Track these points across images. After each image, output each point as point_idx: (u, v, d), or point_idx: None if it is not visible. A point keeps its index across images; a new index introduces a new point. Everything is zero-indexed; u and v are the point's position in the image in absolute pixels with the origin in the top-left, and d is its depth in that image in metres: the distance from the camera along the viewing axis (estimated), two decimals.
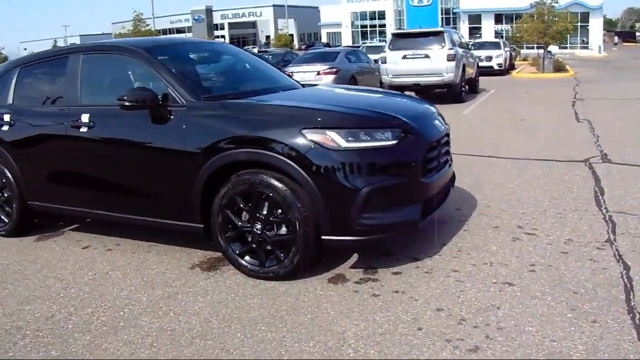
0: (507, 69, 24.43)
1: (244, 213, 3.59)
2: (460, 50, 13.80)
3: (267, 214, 3.50)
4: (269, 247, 3.53)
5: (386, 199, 3.35)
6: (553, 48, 33.35)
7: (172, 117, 3.72)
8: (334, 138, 3.28)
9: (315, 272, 3.57)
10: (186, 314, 3.16)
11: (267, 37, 68.33)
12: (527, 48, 37.56)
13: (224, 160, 3.51)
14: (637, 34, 73.73)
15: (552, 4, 23.73)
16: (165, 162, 3.75)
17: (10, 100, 4.66)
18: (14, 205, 4.64)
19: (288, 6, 69.54)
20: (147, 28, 36.49)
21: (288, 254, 3.45)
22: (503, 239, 4.05)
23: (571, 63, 28.36)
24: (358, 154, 3.26)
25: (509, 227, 4.31)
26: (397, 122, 3.53)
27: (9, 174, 4.60)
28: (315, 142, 3.28)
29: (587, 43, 45.90)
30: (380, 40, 50.15)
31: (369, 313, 3.04)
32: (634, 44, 63.39)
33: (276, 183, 3.39)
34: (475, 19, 51.07)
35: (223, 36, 63.82)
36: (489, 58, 22.91)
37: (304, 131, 3.31)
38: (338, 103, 4.01)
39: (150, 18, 38.73)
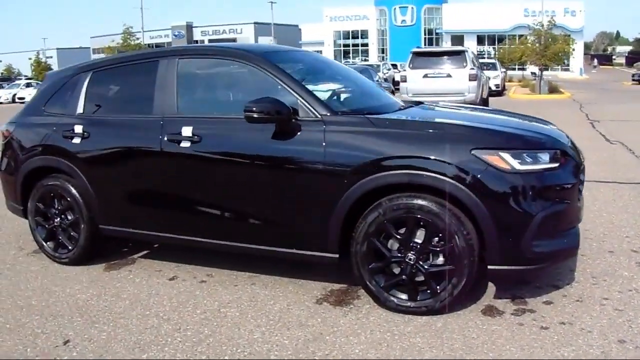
0: (502, 90, 24.60)
1: (391, 241, 3.12)
2: (479, 71, 13.69)
3: (423, 243, 3.06)
4: (420, 279, 3.09)
5: (555, 225, 3.08)
6: (533, 69, 34.07)
7: (301, 132, 3.23)
8: (507, 160, 2.95)
9: (462, 304, 3.21)
10: None
11: None
12: (509, 69, 38.15)
13: (377, 182, 3.04)
14: (614, 57, 76.27)
15: (551, 26, 24.05)
16: (296, 184, 3.24)
17: (80, 109, 4.05)
18: (82, 229, 4.01)
19: (267, 24, 69.53)
20: (138, 42, 35.74)
21: (446, 286, 3.04)
22: (628, 264, 3.85)
23: (559, 85, 28.74)
24: (531, 177, 2.97)
25: (624, 251, 4.13)
26: (558, 144, 3.25)
27: (76, 194, 3.97)
28: (488, 164, 2.92)
29: (568, 65, 46.93)
30: (362, 60, 50.39)
31: (553, 349, 2.75)
32: (610, 66, 65.48)
33: (438, 209, 2.96)
34: (457, 39, 51.72)
35: None
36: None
37: (476, 152, 2.95)
38: (488, 123, 3.54)
39: (135, 32, 37.89)
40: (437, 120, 3.56)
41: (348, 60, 52.42)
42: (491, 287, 3.46)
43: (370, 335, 2.93)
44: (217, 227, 3.55)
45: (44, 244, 4.20)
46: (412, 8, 56.65)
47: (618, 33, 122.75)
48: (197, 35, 65.45)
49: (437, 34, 56.11)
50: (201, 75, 3.87)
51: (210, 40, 68.54)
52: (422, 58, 13.67)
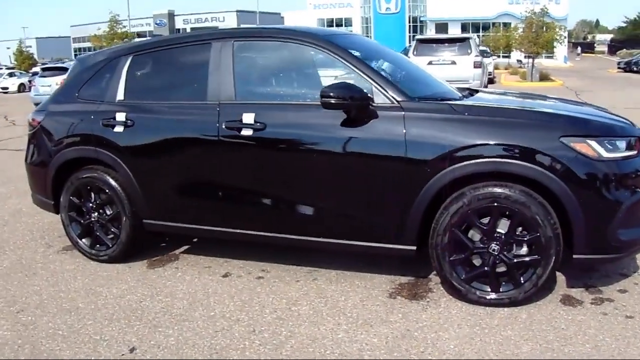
0: (492, 77, 24.55)
1: (472, 232, 2.97)
2: (482, 58, 13.59)
3: (507, 233, 2.92)
4: (503, 270, 2.97)
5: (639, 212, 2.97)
6: (519, 56, 33.90)
7: (378, 119, 3.03)
8: (595, 147, 2.86)
9: (538, 295, 3.08)
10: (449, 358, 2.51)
11: None
12: (493, 57, 38.17)
13: (462, 171, 2.87)
14: (595, 45, 77.09)
15: (544, 13, 24.03)
16: (373, 173, 3.04)
17: (120, 95, 3.73)
18: (123, 225, 3.72)
19: (249, 12, 68.58)
20: (124, 30, 34.76)
21: (530, 277, 2.94)
22: None
23: (547, 73, 28.87)
24: (617, 165, 2.91)
25: None
26: (636, 131, 3.14)
27: (116, 187, 3.68)
28: (577, 152, 2.82)
29: (553, 53, 47.22)
30: None
31: None
32: (592, 54, 66.16)
33: (525, 198, 2.83)
34: (442, 27, 51.68)
35: None
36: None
37: (564, 139, 2.85)
38: (564, 109, 3.38)
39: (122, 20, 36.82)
40: (519, 106, 3.38)
41: None
42: (559, 276, 3.35)
43: (458, 329, 2.78)
44: (283, 220, 3.32)
45: (79, 240, 3.91)
46: None
47: (598, 21, 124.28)
48: (179, 23, 64.27)
49: (421, 21, 55.97)
50: (260, 59, 3.63)
51: (192, 29, 67.46)
52: (426, 45, 13.51)
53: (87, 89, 3.86)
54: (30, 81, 26.42)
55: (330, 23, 61.82)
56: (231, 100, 3.35)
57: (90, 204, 3.83)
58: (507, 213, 2.89)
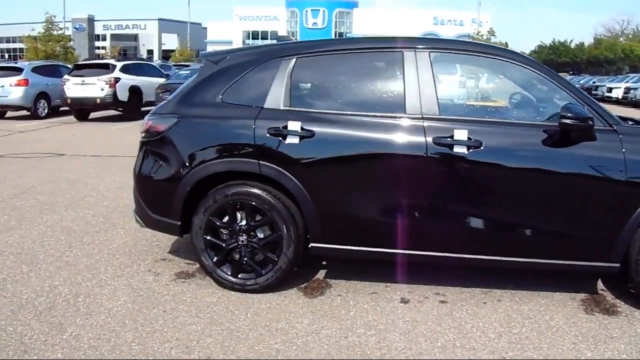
0: None
1: None
2: None
3: None
4: None
5: None
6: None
7: (598, 141, 3.05)
8: None
9: None
10: None
11: (150, 52, 64.55)
12: None
13: None
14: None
15: (489, 36, 25.39)
16: (592, 194, 3.04)
17: (285, 101, 3.28)
18: (285, 249, 3.26)
19: (172, 20, 66.48)
20: (61, 32, 32.07)
21: None
22: None
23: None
24: None
25: None
26: None
27: (280, 206, 3.22)
28: None
29: None
30: None
31: None
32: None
33: None
34: None
35: (104, 47, 58.69)
36: None
37: None
38: None
39: (35, 23, 34.05)
40: None
41: None
42: None
43: None
44: (495, 241, 3.15)
45: (217, 268, 3.36)
46: (324, 11, 57.40)
47: (506, 44, 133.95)
48: (98, 29, 60.84)
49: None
50: (456, 72, 3.47)
51: (112, 35, 64.11)
52: None
53: (234, 92, 3.35)
54: None
55: (255, 35, 61.50)
56: (435, 114, 3.13)
57: (238, 226, 3.30)
58: None
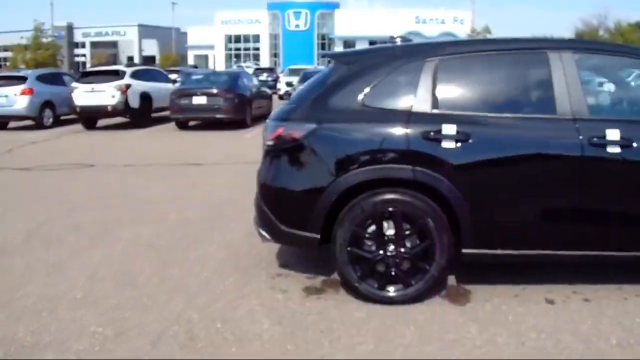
0: None
1: None
2: None
3: None
4: None
5: None
6: None
7: None
8: None
9: None
10: None
11: (130, 58, 63.60)
12: None
13: None
14: None
15: (484, 35, 25.58)
16: None
17: (434, 104, 3.15)
18: (441, 257, 3.10)
19: (151, 26, 65.58)
20: (50, 40, 31.29)
21: None
22: None
23: None
24: None
25: None
26: None
27: (432, 213, 3.07)
28: None
29: None
30: (255, 64, 49.29)
31: None
32: None
33: None
34: (350, 44, 53.13)
35: (84, 55, 57.51)
36: None
37: None
38: None
39: (20, 31, 33.22)
40: None
41: (240, 62, 51.27)
42: None
43: None
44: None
45: (362, 282, 3.17)
46: (306, 13, 57.15)
47: None
48: (78, 36, 59.62)
49: (329, 39, 57.11)
50: (601, 73, 3.57)
51: (92, 42, 62.94)
52: None
53: (376, 95, 3.17)
54: None
55: (237, 39, 60.97)
56: (585, 115, 3.10)
57: (387, 236, 3.12)
58: None
